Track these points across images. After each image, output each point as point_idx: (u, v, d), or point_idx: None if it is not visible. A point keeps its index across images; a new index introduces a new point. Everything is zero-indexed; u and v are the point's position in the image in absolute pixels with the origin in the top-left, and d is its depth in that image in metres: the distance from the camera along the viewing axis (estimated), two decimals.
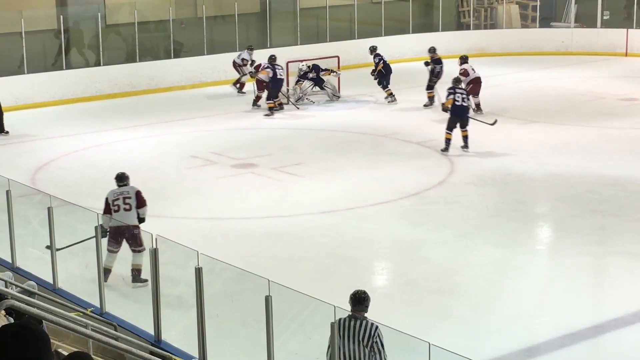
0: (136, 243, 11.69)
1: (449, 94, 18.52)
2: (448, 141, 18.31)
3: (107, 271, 11.48)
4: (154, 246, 9.65)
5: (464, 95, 18.51)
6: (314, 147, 19.49)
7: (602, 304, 11.61)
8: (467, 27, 32.20)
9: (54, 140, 20.17)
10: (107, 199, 11.97)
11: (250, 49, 24.68)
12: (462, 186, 16.35)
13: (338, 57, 24.89)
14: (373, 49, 23.47)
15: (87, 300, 10.73)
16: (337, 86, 24.17)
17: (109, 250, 11.62)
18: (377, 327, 7.94)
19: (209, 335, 9.08)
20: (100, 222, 11.00)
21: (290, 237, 13.97)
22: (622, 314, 11.13)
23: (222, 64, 25.51)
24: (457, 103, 18.27)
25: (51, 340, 5.68)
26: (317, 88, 23.75)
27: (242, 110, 23.07)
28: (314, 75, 23.55)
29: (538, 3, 32.22)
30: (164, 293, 9.94)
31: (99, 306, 10.44)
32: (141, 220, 11.96)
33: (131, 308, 11.01)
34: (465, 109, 18.47)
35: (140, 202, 11.99)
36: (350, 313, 8.06)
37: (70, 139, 20.01)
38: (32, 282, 10.55)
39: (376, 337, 7.91)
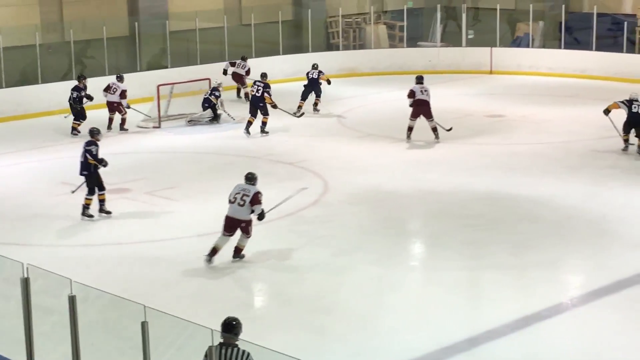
0: (246, 232, 13.57)
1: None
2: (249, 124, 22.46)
3: (214, 250, 13.52)
4: (25, 275, 9.40)
5: (259, 87, 22.35)
6: (188, 170, 19.36)
7: (476, 316, 11.83)
8: (337, 48, 32.52)
9: None
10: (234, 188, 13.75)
11: (120, 77, 24.23)
12: (336, 205, 16.46)
13: (209, 79, 24.83)
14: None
15: None
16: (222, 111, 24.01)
17: (223, 234, 13.56)
18: (248, 353, 7.87)
19: None
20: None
21: (167, 261, 13.83)
22: (496, 326, 11.36)
23: (91, 88, 25.06)
24: (254, 94, 22.40)
25: None
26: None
27: (113, 134, 22.74)
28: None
29: (405, 23, 32.77)
30: (36, 323, 9.68)
31: None
32: (260, 216, 13.53)
33: (2, 339, 10.68)
34: (260, 99, 22.18)
35: (254, 201, 13.41)
36: (222, 341, 7.99)
37: None
38: None
39: None
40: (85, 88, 22.85)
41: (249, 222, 13.54)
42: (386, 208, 16.29)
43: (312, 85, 24.93)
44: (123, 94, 23.08)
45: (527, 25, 31.88)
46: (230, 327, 8.21)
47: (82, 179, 16.12)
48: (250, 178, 13.74)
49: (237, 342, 8.01)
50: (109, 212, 16.08)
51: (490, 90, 28.35)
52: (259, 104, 22.34)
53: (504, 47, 31.84)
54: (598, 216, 15.62)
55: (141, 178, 18.47)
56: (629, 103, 19.71)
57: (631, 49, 30.23)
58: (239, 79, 26.89)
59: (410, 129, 21.04)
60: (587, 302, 12.22)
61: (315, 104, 24.99)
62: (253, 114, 22.39)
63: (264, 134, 22.34)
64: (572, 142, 21.06)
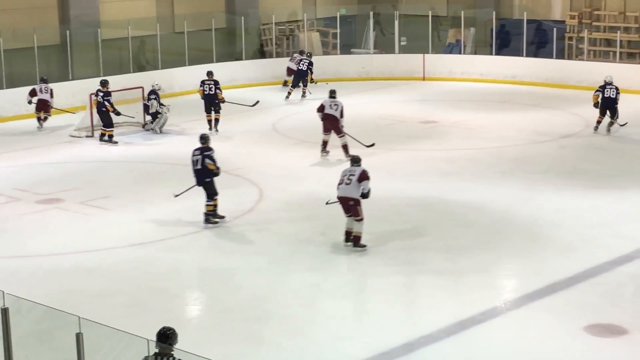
0: (355, 213, 14.26)
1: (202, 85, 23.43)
2: (209, 122, 23.35)
3: (348, 233, 14.46)
4: None
5: (210, 85, 23.13)
6: (122, 179, 19.21)
7: (413, 322, 11.90)
8: (270, 56, 32.53)
9: None
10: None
11: (44, 80, 24.08)
12: (271, 212, 16.46)
13: (142, 87, 24.64)
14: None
15: None
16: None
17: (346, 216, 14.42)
18: None
19: None
20: None
21: (102, 272, 13.70)
22: (432, 331, 11.45)
23: (21, 97, 24.76)
24: (207, 92, 23.21)
25: None
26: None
27: (46, 144, 22.49)
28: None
29: (338, 30, 32.90)
30: None
31: None
32: (364, 195, 14.21)
33: None
34: (214, 96, 23.05)
35: (362, 177, 14.16)
36: (157, 351, 7.96)
37: None
38: None
39: None
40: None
41: (357, 201, 14.25)
42: (321, 215, 16.32)
43: (300, 76, 27.64)
44: (52, 93, 23.96)
45: (459, 31, 32.22)
46: (166, 337, 8.18)
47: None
48: (356, 160, 14.55)
49: (172, 352, 7.99)
50: (222, 217, 15.80)
51: (423, 96, 28.57)
52: (214, 101, 23.17)
53: (436, 53, 32.13)
54: (530, 220, 15.82)
55: (74, 188, 18.27)
56: (602, 89, 22.11)
57: (561, 54, 30.70)
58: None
59: (324, 143, 20.65)
60: (521, 305, 12.37)
61: (303, 92, 27.71)
62: (208, 111, 23.30)
63: (216, 132, 22.90)
64: (505, 147, 21.31)
